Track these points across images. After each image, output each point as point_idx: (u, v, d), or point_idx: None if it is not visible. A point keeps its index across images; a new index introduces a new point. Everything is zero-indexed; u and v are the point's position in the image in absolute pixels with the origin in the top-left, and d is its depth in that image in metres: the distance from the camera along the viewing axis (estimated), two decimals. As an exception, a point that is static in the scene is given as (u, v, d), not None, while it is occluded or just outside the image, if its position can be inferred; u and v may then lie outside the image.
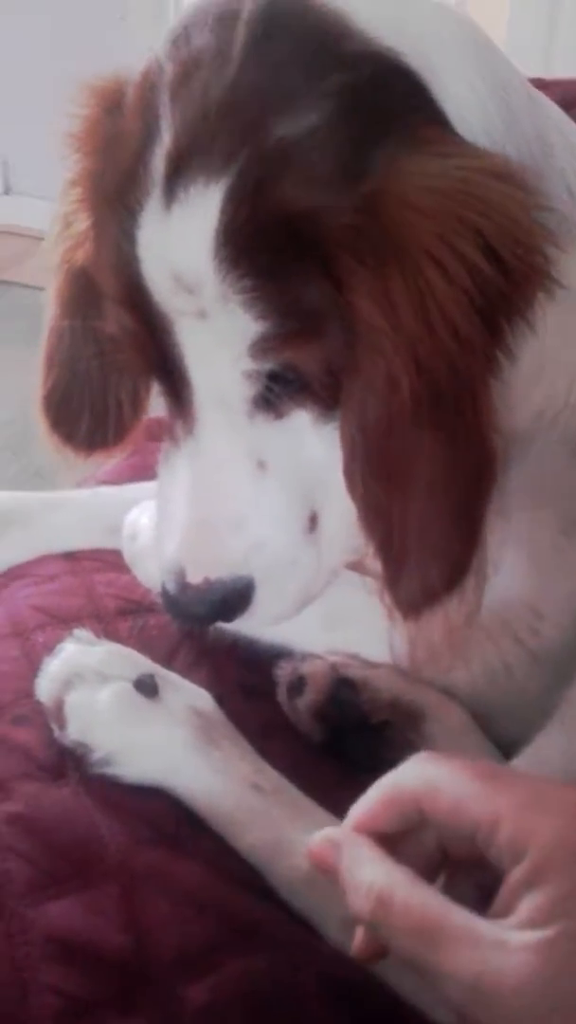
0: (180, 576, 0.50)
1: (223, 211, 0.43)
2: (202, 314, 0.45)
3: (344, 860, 0.39)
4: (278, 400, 0.48)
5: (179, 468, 0.50)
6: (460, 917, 0.35)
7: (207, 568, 0.49)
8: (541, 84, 0.64)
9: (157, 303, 0.47)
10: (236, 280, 0.44)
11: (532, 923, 0.34)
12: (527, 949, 0.34)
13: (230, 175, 0.43)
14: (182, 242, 0.44)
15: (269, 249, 0.44)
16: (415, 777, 0.40)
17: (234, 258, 0.44)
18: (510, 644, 0.56)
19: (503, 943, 0.34)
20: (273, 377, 0.47)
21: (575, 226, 0.50)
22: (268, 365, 0.46)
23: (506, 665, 0.56)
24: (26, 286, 2.41)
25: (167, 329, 0.47)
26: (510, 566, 0.54)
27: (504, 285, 0.43)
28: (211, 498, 0.50)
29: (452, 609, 0.47)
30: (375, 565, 0.48)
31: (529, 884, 0.35)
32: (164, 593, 0.51)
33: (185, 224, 0.44)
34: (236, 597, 0.50)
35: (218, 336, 0.46)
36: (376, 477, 0.46)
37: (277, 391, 0.48)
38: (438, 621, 0.47)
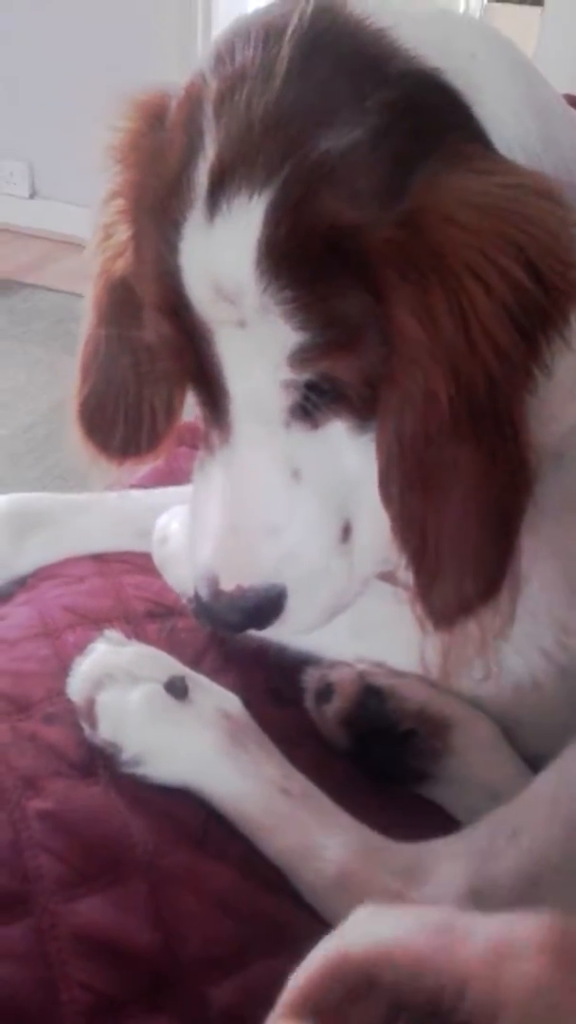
0: (213, 583, 0.50)
1: (265, 223, 0.44)
2: (242, 324, 0.46)
3: None
4: (315, 410, 0.49)
5: (214, 476, 0.51)
6: None
7: (240, 576, 0.50)
8: (573, 101, 0.65)
9: (197, 312, 0.47)
10: (277, 291, 0.44)
11: None
12: None
13: (273, 188, 0.44)
14: (224, 253, 0.45)
15: (310, 261, 0.44)
16: (363, 942, 0.36)
17: (275, 269, 0.44)
18: (538, 658, 0.56)
19: None
20: (310, 387, 0.48)
21: None
22: (306, 375, 0.47)
23: (534, 679, 0.56)
24: (49, 289, 2.43)
25: (206, 338, 0.48)
26: (539, 580, 0.54)
27: (544, 300, 0.43)
28: (245, 506, 0.50)
29: (486, 620, 0.47)
30: (406, 576, 0.49)
31: None
32: (196, 599, 0.52)
33: (227, 236, 0.45)
34: (268, 605, 0.50)
35: (257, 345, 0.46)
36: (412, 488, 0.46)
37: (314, 401, 0.48)
38: (471, 632, 0.48)
